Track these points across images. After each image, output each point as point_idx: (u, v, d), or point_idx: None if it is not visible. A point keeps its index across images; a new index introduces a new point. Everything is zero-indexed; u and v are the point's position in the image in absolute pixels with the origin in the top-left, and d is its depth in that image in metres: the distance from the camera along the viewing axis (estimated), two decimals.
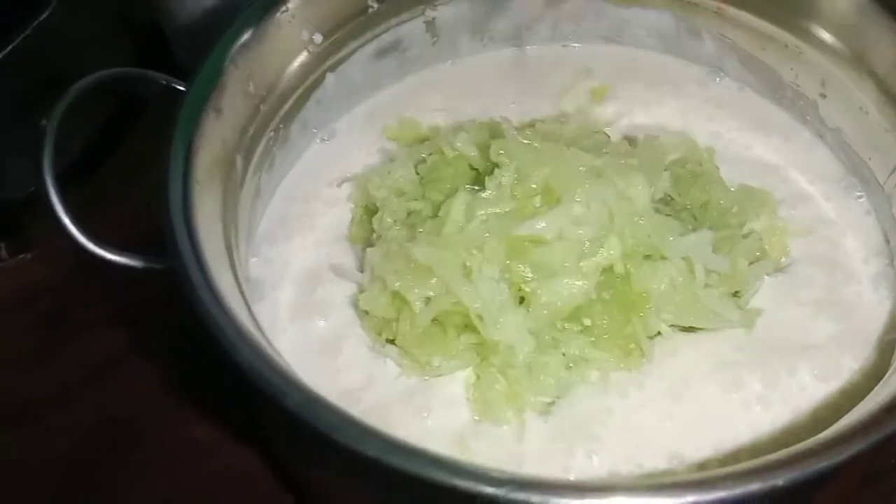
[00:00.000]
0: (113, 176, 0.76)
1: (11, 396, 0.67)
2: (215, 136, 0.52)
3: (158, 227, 0.48)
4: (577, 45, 0.72)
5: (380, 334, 0.57)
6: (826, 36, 0.59)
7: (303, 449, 0.43)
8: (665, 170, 0.57)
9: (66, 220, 0.51)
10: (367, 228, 0.61)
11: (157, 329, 0.67)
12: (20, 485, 0.64)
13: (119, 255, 0.51)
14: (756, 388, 0.54)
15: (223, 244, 0.50)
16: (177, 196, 0.46)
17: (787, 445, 0.48)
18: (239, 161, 0.55)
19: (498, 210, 0.54)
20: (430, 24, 0.67)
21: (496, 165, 0.55)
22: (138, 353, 0.68)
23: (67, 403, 0.67)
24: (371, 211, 0.62)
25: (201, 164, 0.49)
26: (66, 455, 0.64)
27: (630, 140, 0.62)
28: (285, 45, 0.59)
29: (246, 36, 0.55)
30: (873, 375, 0.53)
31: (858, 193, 0.62)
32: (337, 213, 0.63)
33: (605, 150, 0.56)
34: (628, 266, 0.54)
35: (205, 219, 0.48)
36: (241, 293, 0.49)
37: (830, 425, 0.50)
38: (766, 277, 0.58)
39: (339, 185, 0.63)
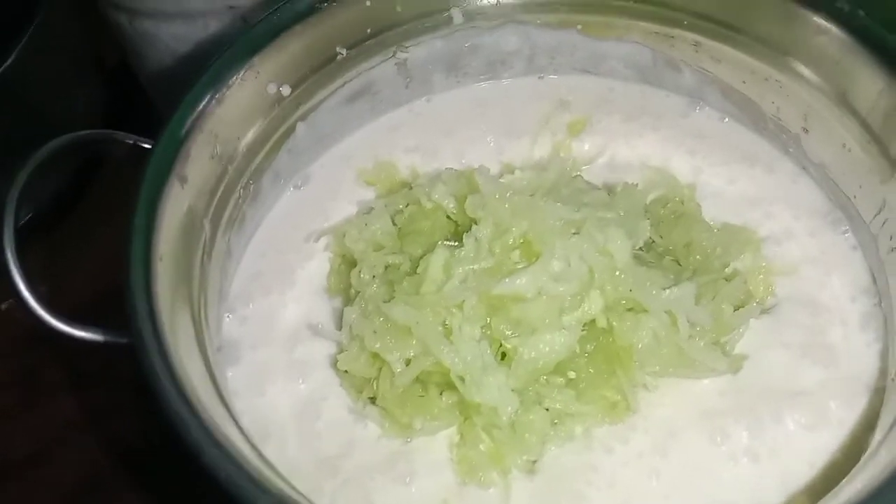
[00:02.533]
0: (76, 231, 0.75)
1: None
2: (181, 205, 0.50)
3: (121, 288, 0.47)
4: (552, 77, 0.70)
5: (360, 393, 0.56)
6: (806, 72, 0.58)
7: None
8: (646, 217, 0.55)
9: (29, 296, 0.50)
10: (345, 279, 0.60)
11: (124, 389, 0.66)
12: None
13: (81, 329, 0.50)
14: (743, 438, 0.53)
15: (190, 318, 0.49)
16: (139, 278, 0.44)
17: None
18: (207, 226, 0.54)
19: (476, 267, 0.53)
20: (402, 66, 0.65)
21: (473, 220, 0.54)
22: (115, 411, 0.67)
23: (48, 462, 0.66)
24: (349, 260, 0.60)
25: (165, 237, 0.47)
26: None
27: (609, 187, 0.61)
28: (252, 101, 0.57)
29: (207, 99, 0.53)
30: (863, 425, 0.52)
31: (844, 228, 0.61)
32: (315, 264, 0.62)
33: (584, 201, 0.55)
34: (611, 319, 0.53)
35: (169, 296, 0.47)
36: (209, 370, 0.47)
37: (820, 484, 0.50)
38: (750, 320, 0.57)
39: (315, 241, 0.62)
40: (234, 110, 0.55)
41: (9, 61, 0.69)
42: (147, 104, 0.78)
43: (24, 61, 0.70)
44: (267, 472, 0.41)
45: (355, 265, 0.59)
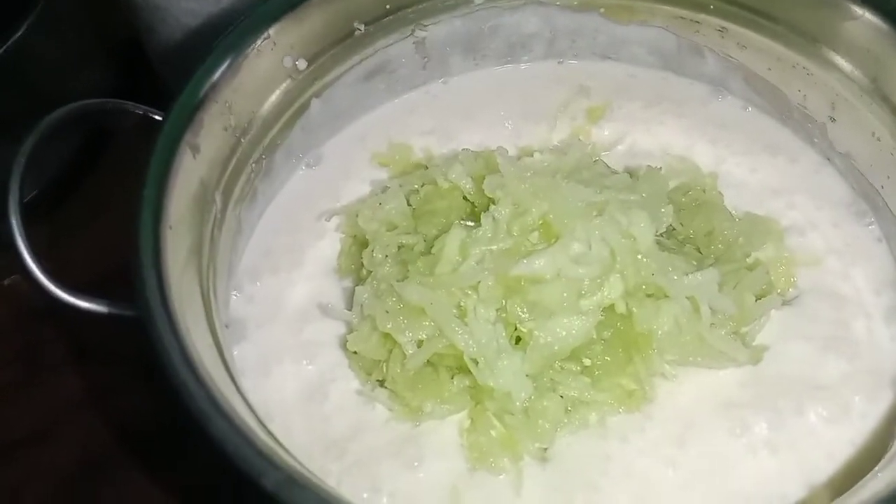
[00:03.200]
0: (84, 203, 0.73)
1: None
2: (192, 176, 0.49)
3: (128, 265, 0.45)
4: (572, 61, 0.69)
5: (369, 375, 0.54)
6: (839, 60, 0.56)
7: None
8: (668, 203, 0.54)
9: (34, 267, 0.48)
10: (356, 260, 0.58)
11: (130, 365, 0.64)
12: None
13: (87, 300, 0.48)
14: (762, 430, 0.52)
15: (199, 291, 0.47)
16: (148, 247, 0.43)
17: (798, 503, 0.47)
18: (218, 199, 0.52)
19: (494, 248, 0.52)
20: (420, 45, 0.64)
21: (491, 200, 0.53)
22: (118, 388, 0.65)
23: (48, 441, 0.65)
24: (361, 241, 0.59)
25: (175, 207, 0.46)
26: (46, 499, 0.62)
27: (631, 171, 0.59)
28: (267, 73, 0.55)
29: (223, 68, 0.51)
30: (888, 419, 0.51)
31: (869, 220, 0.59)
32: (325, 244, 0.60)
33: (605, 184, 0.53)
34: (630, 305, 0.51)
35: (178, 267, 0.45)
36: (217, 346, 0.46)
37: (842, 478, 0.49)
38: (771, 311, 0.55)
39: (327, 220, 0.60)
40: (249, 81, 0.54)
41: (16, 36, 0.68)
42: (156, 82, 0.76)
43: (32, 37, 0.69)
44: (275, 447, 0.40)
45: (367, 246, 0.57)
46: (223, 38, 0.51)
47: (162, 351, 0.39)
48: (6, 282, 0.70)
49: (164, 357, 0.39)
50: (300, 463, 0.42)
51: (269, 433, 0.43)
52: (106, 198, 0.71)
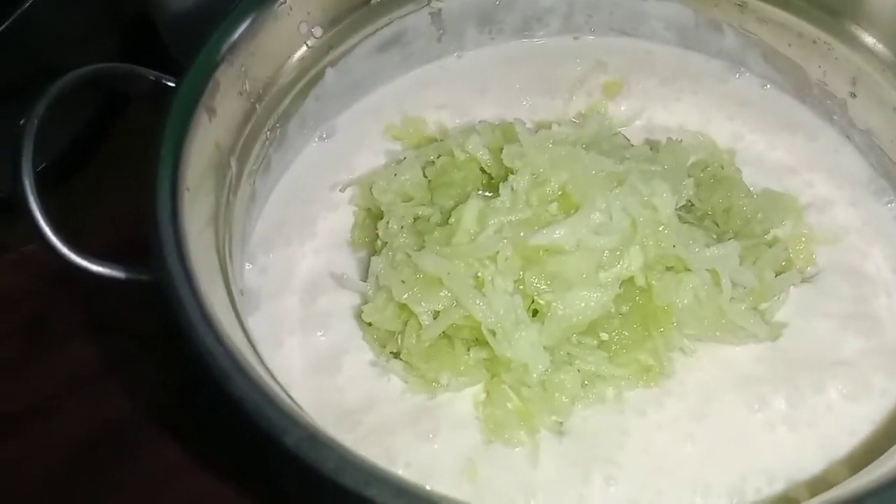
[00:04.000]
0: (95, 175, 0.72)
1: None
2: (208, 138, 0.48)
3: (144, 232, 0.45)
4: (589, 37, 0.68)
5: (384, 346, 0.53)
6: (862, 34, 0.55)
7: (303, 487, 0.39)
8: (689, 176, 0.53)
9: (47, 229, 0.47)
10: (370, 233, 0.58)
11: (142, 337, 0.64)
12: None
13: (102, 265, 0.47)
14: (781, 406, 0.51)
15: (215, 255, 0.47)
16: (165, 206, 0.42)
17: (817, 477, 0.46)
18: (233, 164, 0.51)
19: (512, 218, 0.51)
20: (436, 16, 0.63)
21: (510, 170, 0.52)
22: (123, 362, 0.64)
23: (52, 415, 0.64)
24: (374, 214, 0.58)
25: (192, 169, 0.45)
26: (52, 472, 0.61)
27: (651, 143, 0.59)
28: (283, 39, 0.55)
29: (240, 30, 0.51)
30: None
31: (888, 198, 0.59)
32: (338, 216, 0.60)
33: (625, 155, 0.53)
34: (650, 278, 0.51)
35: (195, 229, 0.45)
36: (235, 310, 0.45)
37: (861, 454, 0.48)
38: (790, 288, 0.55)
39: (341, 190, 0.59)
40: (265, 46, 0.53)
41: (24, 7, 0.67)
42: (164, 54, 0.75)
43: (40, 8, 0.68)
44: (295, 406, 0.39)
45: (380, 218, 0.56)
46: (239, 2, 0.50)
47: (180, 310, 0.39)
48: (15, 254, 0.69)
49: (182, 316, 0.38)
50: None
51: (290, 396, 0.42)
52: (119, 167, 0.70)
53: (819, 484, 0.48)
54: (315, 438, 0.36)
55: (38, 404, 0.63)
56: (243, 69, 0.51)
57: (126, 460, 0.61)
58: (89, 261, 0.47)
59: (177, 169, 0.43)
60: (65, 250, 0.47)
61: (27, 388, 0.64)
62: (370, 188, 0.58)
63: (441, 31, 0.65)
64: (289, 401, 0.39)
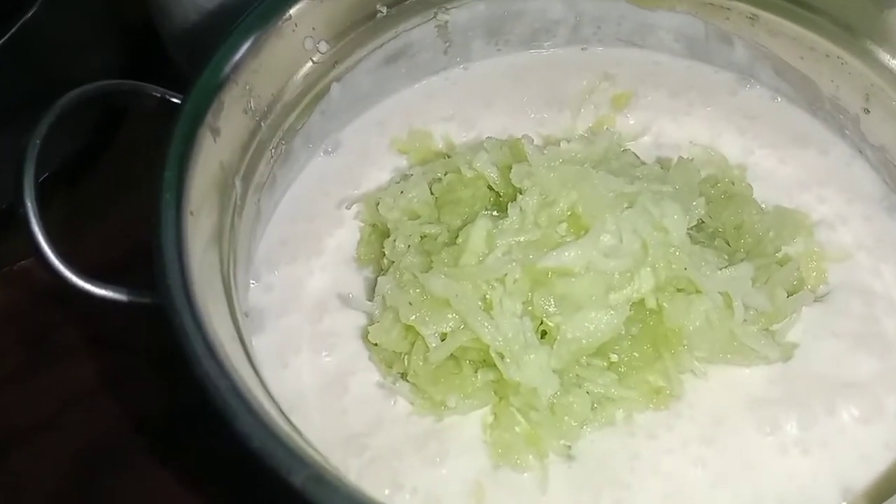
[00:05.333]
0: (96, 189, 0.71)
1: None
2: (212, 159, 0.47)
3: (145, 250, 0.44)
4: (597, 48, 0.67)
5: (390, 367, 0.53)
6: (876, 50, 0.55)
7: None
8: (700, 195, 0.52)
9: (49, 252, 0.47)
10: (376, 249, 0.57)
11: (142, 353, 0.63)
12: None
13: (104, 287, 0.47)
14: (793, 429, 0.50)
15: (220, 279, 0.46)
16: (169, 232, 0.41)
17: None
18: (238, 184, 0.51)
19: (521, 239, 0.50)
20: (443, 28, 0.62)
21: (518, 190, 0.51)
22: (123, 378, 0.64)
23: (56, 429, 0.63)
24: (381, 230, 0.57)
25: (196, 191, 0.45)
26: (52, 487, 0.61)
27: (661, 161, 0.58)
28: (288, 55, 0.54)
29: (245, 48, 0.50)
30: None
31: None
32: (344, 232, 0.59)
33: (636, 174, 0.52)
34: (661, 300, 0.50)
35: (199, 252, 0.44)
36: (239, 335, 0.45)
37: (879, 485, 0.47)
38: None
39: (347, 208, 0.59)
40: (270, 63, 0.52)
41: (27, 17, 0.66)
42: (169, 66, 0.75)
43: (43, 18, 0.67)
44: (302, 443, 0.38)
45: (387, 235, 0.56)
46: (244, 18, 0.50)
47: (185, 341, 0.38)
48: (17, 266, 0.68)
49: (187, 348, 0.38)
50: (325, 458, 0.41)
51: (294, 427, 0.41)
52: (121, 180, 0.70)
53: None
54: (322, 479, 0.35)
55: (39, 419, 0.63)
56: (248, 87, 0.51)
57: (125, 477, 0.61)
58: (91, 283, 0.47)
59: (180, 193, 0.43)
60: (68, 273, 0.47)
61: (27, 403, 0.64)
62: (376, 205, 0.57)
63: (447, 44, 0.64)
64: (296, 437, 0.38)
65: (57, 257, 0.47)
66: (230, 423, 0.36)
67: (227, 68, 0.48)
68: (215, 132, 0.47)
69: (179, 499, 0.59)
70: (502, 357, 0.49)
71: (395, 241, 0.54)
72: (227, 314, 0.45)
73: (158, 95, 0.52)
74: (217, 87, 0.48)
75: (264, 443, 0.35)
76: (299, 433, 0.41)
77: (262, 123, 0.53)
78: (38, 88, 0.59)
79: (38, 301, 0.65)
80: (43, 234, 0.47)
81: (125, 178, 0.62)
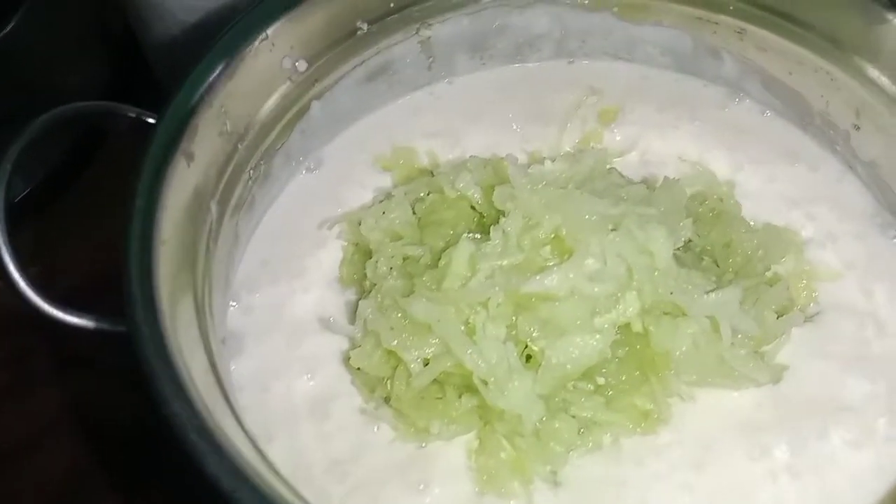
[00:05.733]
0: (73, 207, 0.70)
1: None
2: (186, 185, 0.46)
3: (116, 275, 0.43)
4: (583, 61, 0.66)
5: (373, 392, 0.52)
6: (866, 66, 0.54)
7: None
8: (686, 216, 0.51)
9: (19, 279, 0.46)
10: (359, 269, 0.56)
11: (119, 375, 0.61)
12: None
13: (73, 314, 0.46)
14: (783, 454, 0.49)
15: (192, 306, 0.45)
16: (137, 264, 0.40)
17: None
18: (214, 208, 0.50)
19: (504, 262, 0.49)
20: (426, 44, 0.61)
21: (501, 213, 0.50)
22: (104, 399, 0.63)
23: (34, 452, 0.62)
24: (364, 250, 0.56)
25: (168, 219, 0.43)
26: None
27: (647, 180, 0.57)
28: (265, 75, 0.53)
29: (219, 69, 0.49)
30: None
31: (893, 233, 0.57)
32: (326, 253, 0.58)
33: (621, 195, 0.51)
34: (647, 324, 0.49)
35: (169, 281, 0.43)
36: (212, 363, 0.43)
37: None
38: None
39: (329, 228, 0.58)
40: (246, 84, 0.51)
41: (7, 29, 0.65)
42: (151, 79, 0.74)
43: (24, 30, 0.66)
44: (274, 483, 0.37)
45: (370, 255, 0.55)
46: (218, 40, 0.49)
47: (150, 373, 0.37)
48: None
49: (154, 387, 0.37)
50: (298, 494, 0.39)
51: (266, 460, 0.40)
52: (97, 199, 0.68)
53: None
54: None
55: (19, 443, 0.62)
56: (223, 110, 0.50)
57: (107, 498, 0.60)
58: (61, 310, 0.46)
59: (150, 222, 0.42)
60: (37, 300, 0.46)
61: (6, 427, 0.63)
62: (359, 224, 0.56)
63: (431, 59, 0.63)
64: (268, 477, 0.37)
65: (26, 283, 0.46)
66: (199, 464, 0.35)
67: (200, 92, 0.47)
68: (189, 157, 0.46)
69: None
70: (486, 384, 0.48)
71: (377, 262, 0.53)
72: (200, 344, 0.43)
73: (134, 116, 0.51)
74: (190, 112, 0.46)
75: (234, 487, 0.34)
76: (274, 470, 0.40)
77: (238, 145, 0.52)
78: (18, 103, 0.58)
79: (12, 325, 0.64)
80: (13, 260, 0.46)
81: (102, 198, 0.61)
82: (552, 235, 0.49)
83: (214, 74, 0.48)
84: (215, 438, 0.36)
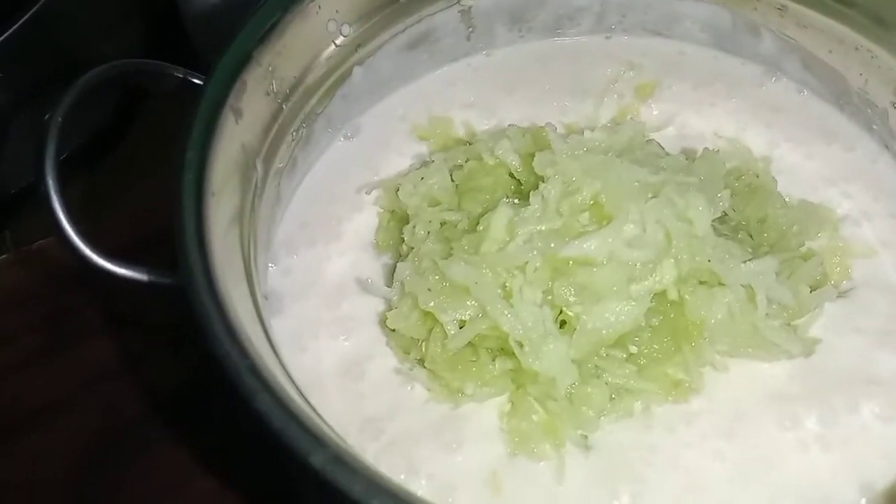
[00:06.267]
0: (116, 169, 0.72)
1: (15, 402, 0.63)
2: (234, 140, 0.47)
3: (164, 231, 0.44)
4: (622, 37, 0.66)
5: (408, 353, 0.53)
6: None
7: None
8: (725, 187, 0.52)
9: (70, 231, 0.46)
10: (395, 235, 0.57)
11: (161, 332, 0.63)
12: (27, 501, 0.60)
13: (125, 267, 0.46)
14: (813, 425, 0.50)
15: (241, 260, 0.46)
16: (190, 213, 0.41)
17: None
18: (259, 167, 0.50)
19: (542, 227, 0.50)
20: (466, 13, 0.62)
21: (540, 178, 0.51)
22: (142, 357, 0.64)
23: (74, 408, 0.63)
24: (399, 217, 0.57)
25: (217, 173, 0.44)
26: (71, 465, 0.61)
27: (686, 151, 0.57)
28: (311, 37, 0.53)
29: (268, 28, 0.49)
30: None
31: None
32: (363, 217, 0.59)
33: (660, 165, 0.51)
34: (682, 292, 0.49)
35: (220, 234, 0.44)
36: (259, 316, 0.44)
37: None
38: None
39: (367, 193, 0.58)
40: (293, 45, 0.52)
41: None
42: (188, 46, 0.74)
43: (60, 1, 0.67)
44: (322, 424, 0.38)
45: (406, 221, 0.55)
46: (266, 1, 0.49)
47: (206, 322, 0.38)
48: (35, 245, 0.68)
49: (208, 329, 0.38)
50: (343, 440, 0.40)
51: (313, 408, 0.41)
52: (141, 161, 0.70)
53: None
54: (342, 461, 0.35)
55: (58, 399, 0.63)
56: (271, 69, 0.50)
57: (142, 455, 0.61)
58: (112, 262, 0.46)
59: (202, 174, 0.42)
60: (88, 252, 0.46)
61: (46, 384, 0.64)
62: (396, 191, 0.57)
63: (470, 29, 0.63)
64: (315, 418, 0.38)
65: (78, 236, 0.47)
66: (250, 403, 0.36)
67: (251, 48, 0.48)
68: (237, 113, 0.47)
69: (197, 477, 0.59)
70: (521, 346, 0.48)
71: (414, 227, 0.54)
72: (248, 295, 0.44)
73: (181, 76, 0.52)
74: (240, 68, 0.47)
75: (284, 423, 0.35)
76: (318, 415, 0.41)
77: (283, 106, 0.53)
78: (60, 67, 0.59)
79: (57, 281, 0.65)
80: (64, 213, 0.47)
81: (145, 158, 0.62)
82: (591, 202, 0.50)
83: (262, 33, 0.49)
84: (266, 378, 0.36)
